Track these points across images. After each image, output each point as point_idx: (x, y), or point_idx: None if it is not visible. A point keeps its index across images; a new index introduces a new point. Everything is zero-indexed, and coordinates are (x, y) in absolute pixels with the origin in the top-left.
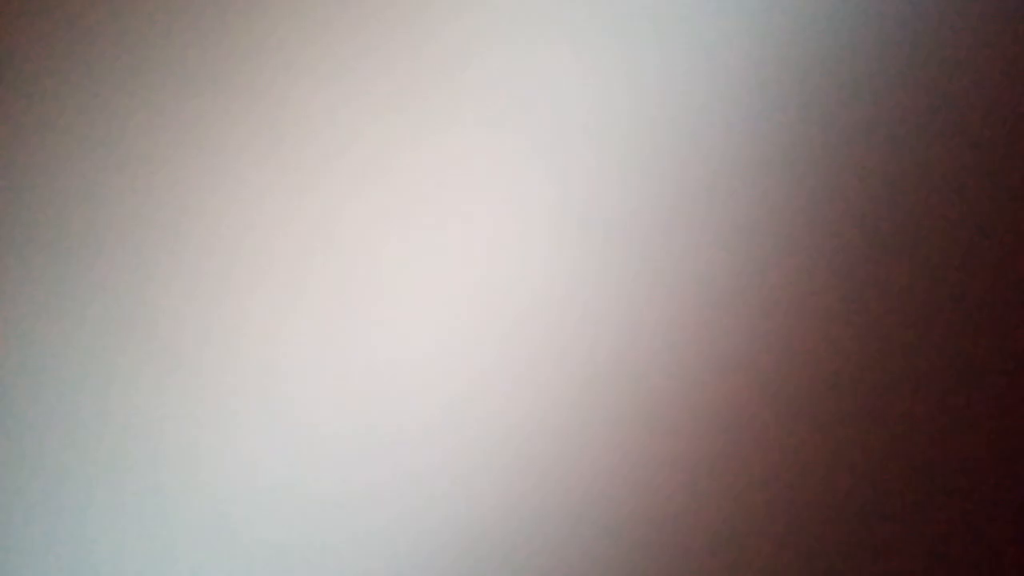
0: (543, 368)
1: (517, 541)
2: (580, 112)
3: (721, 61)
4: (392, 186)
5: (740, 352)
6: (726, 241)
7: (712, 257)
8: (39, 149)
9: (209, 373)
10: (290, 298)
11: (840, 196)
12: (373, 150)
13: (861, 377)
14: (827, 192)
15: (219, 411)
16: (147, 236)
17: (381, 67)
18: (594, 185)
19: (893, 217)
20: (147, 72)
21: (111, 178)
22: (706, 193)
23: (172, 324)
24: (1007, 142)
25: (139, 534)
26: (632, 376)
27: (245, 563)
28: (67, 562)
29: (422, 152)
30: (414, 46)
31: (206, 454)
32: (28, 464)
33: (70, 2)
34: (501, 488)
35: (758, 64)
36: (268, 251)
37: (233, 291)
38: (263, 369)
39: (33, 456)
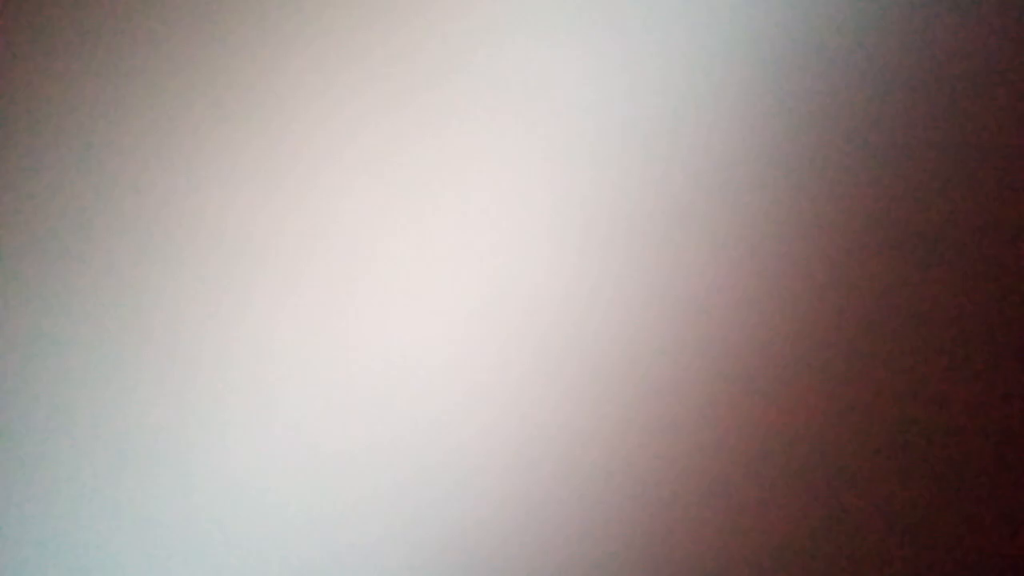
0: (545, 369)
1: (523, 541)
2: (582, 110)
3: (724, 60)
4: (391, 187)
5: (745, 352)
6: (730, 240)
7: (716, 256)
8: (37, 150)
9: (208, 374)
10: (290, 299)
11: (844, 196)
12: (371, 149)
13: (867, 378)
14: (831, 191)
15: (217, 412)
16: (146, 236)
17: (379, 65)
18: (596, 184)
19: (896, 217)
20: (144, 69)
21: (108, 177)
22: (710, 192)
23: (172, 325)
24: (1008, 142)
25: (136, 536)
26: (636, 376)
27: (244, 567)
28: (66, 562)
29: (421, 152)
30: (413, 44)
31: (205, 456)
32: (28, 465)
33: (68, 1)
34: (505, 489)
35: (762, 63)
36: (267, 252)
37: (233, 292)
38: (264, 371)
39: (32, 457)
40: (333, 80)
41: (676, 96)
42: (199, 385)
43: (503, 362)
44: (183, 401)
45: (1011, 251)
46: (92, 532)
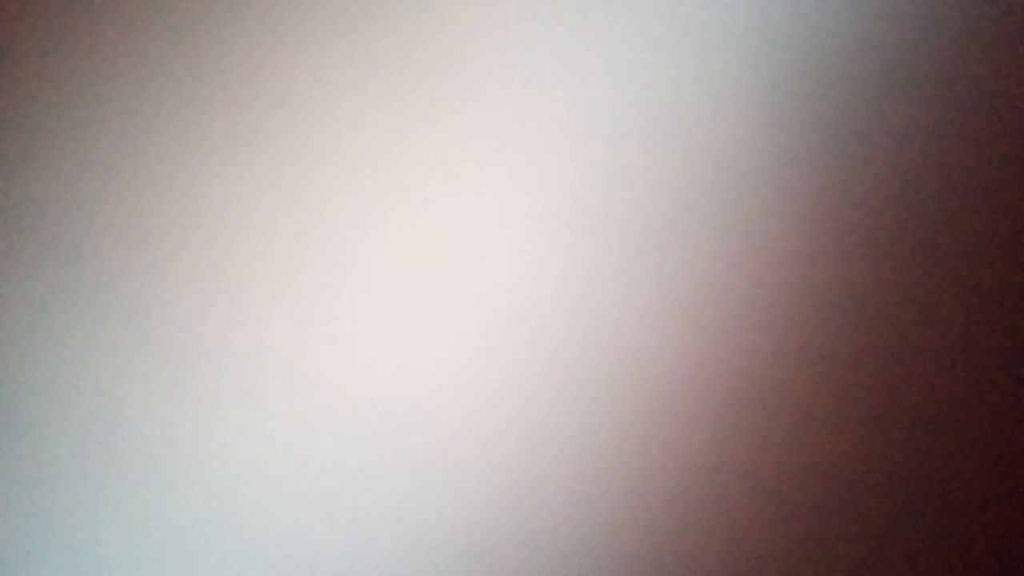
0: (555, 369)
1: (531, 543)
2: (595, 108)
3: (738, 57)
4: (393, 184)
5: (759, 351)
6: (743, 239)
7: (728, 256)
8: (37, 147)
9: (203, 376)
10: (287, 299)
11: (858, 195)
12: (372, 144)
13: (867, 377)
14: (847, 191)
15: (211, 416)
16: (141, 236)
17: (385, 60)
18: (609, 183)
19: (898, 218)
20: (141, 64)
21: (105, 173)
22: (722, 191)
23: (167, 326)
24: (1007, 142)
25: (129, 539)
26: (647, 375)
27: (238, 572)
28: (60, 563)
29: (425, 149)
30: (416, 34)
31: (199, 461)
32: (22, 468)
33: (69, 1)
34: (512, 492)
35: (775, 62)
36: (264, 252)
37: (229, 293)
38: (259, 374)
39: (25, 463)
40: (333, 73)
41: (692, 92)
42: (194, 387)
43: (510, 365)
44: (177, 403)
45: (1011, 251)
46: (86, 534)
